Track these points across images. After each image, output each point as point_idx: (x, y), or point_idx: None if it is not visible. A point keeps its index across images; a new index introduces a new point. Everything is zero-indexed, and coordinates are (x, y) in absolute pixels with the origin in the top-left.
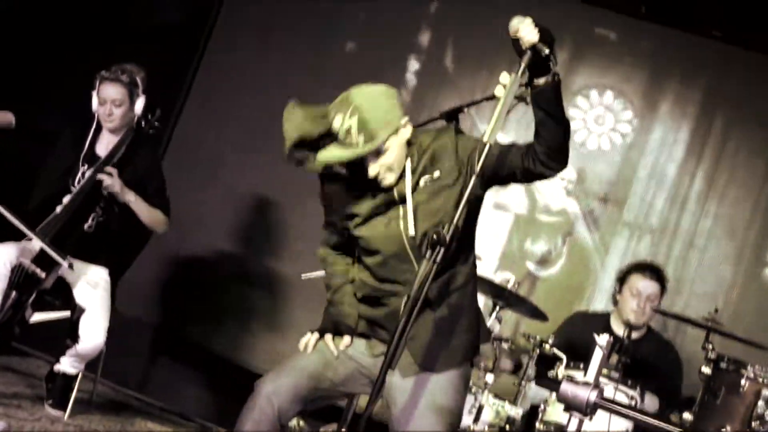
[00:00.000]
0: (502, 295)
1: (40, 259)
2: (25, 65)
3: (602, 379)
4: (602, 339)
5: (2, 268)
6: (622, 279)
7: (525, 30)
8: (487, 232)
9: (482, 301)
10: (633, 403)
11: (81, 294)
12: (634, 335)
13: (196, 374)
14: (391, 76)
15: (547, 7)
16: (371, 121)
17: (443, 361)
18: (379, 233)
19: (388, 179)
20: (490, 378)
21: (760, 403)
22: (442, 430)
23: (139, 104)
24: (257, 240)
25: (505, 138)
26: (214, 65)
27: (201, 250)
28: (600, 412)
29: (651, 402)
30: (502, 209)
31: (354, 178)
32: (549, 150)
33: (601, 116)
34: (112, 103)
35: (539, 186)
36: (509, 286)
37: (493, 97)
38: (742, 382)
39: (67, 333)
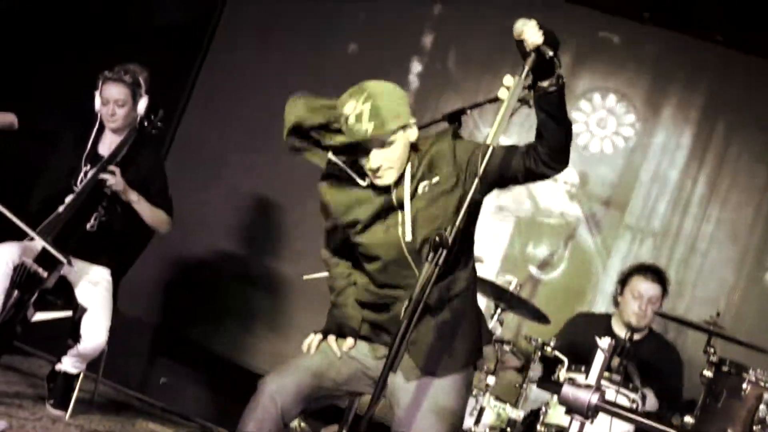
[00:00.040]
0: (503, 297)
1: (42, 258)
2: (26, 65)
3: (603, 382)
4: (604, 342)
5: (4, 267)
6: (623, 281)
7: (529, 32)
8: (489, 235)
9: (484, 303)
10: (634, 405)
11: (83, 294)
12: (636, 337)
13: (197, 374)
14: (393, 77)
15: (551, 10)
16: (384, 108)
17: (445, 365)
18: (379, 240)
19: (388, 176)
20: (491, 380)
21: (762, 406)
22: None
23: (142, 104)
24: (259, 240)
25: (507, 141)
26: (217, 65)
27: (203, 251)
28: (601, 415)
29: (651, 404)
30: (504, 212)
31: (353, 181)
32: (551, 151)
33: (603, 119)
34: (115, 103)
35: (541, 189)
36: (511, 288)
37: (496, 100)
38: (744, 385)
39: (68, 333)
